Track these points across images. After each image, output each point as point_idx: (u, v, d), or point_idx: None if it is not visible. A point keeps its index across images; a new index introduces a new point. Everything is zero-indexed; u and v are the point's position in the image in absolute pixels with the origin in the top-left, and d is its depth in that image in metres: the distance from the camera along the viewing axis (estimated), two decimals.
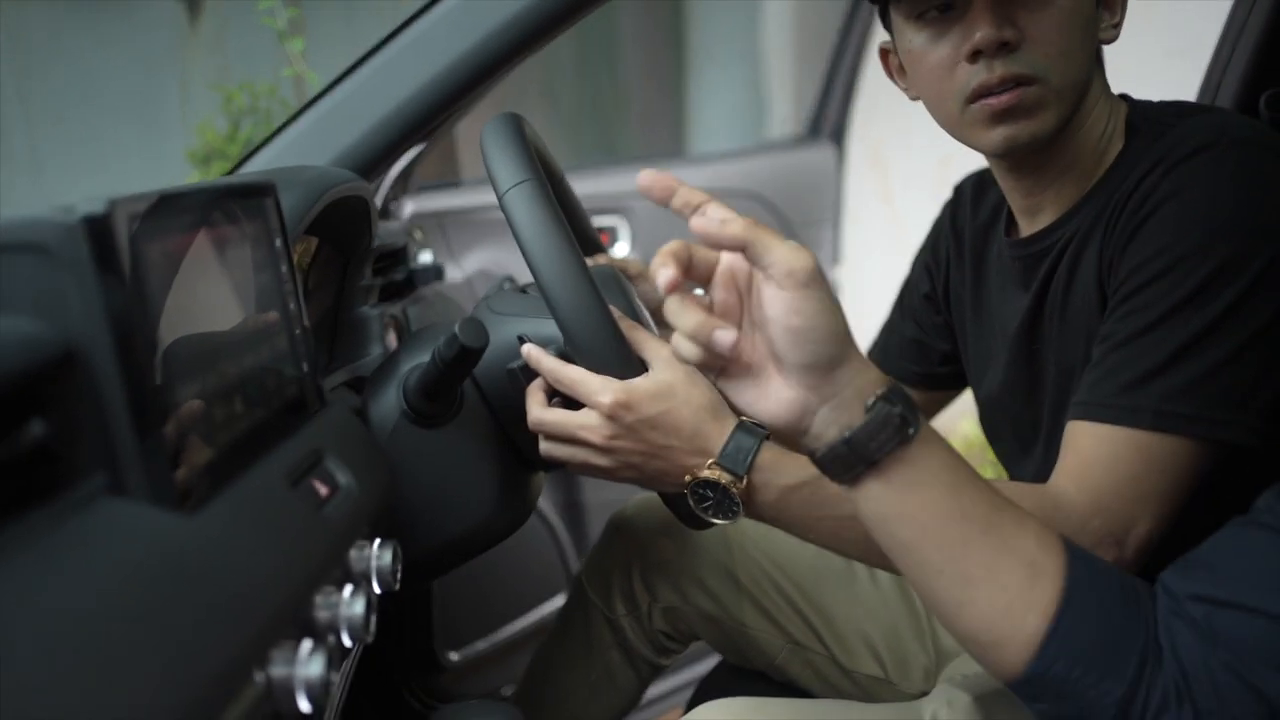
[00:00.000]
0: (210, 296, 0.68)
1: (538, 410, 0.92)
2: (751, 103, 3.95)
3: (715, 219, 0.67)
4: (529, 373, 0.95)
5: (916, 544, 0.67)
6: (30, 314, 0.55)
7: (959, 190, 1.23)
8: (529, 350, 0.93)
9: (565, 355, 0.92)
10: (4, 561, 0.48)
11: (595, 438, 0.89)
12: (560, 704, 1.28)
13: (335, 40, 3.06)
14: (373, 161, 1.26)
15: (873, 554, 0.89)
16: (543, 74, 3.65)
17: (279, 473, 0.70)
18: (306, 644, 0.62)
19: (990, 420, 1.15)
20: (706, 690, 1.29)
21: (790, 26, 3.80)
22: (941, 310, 1.24)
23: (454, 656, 1.66)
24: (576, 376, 0.89)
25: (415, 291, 1.38)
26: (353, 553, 0.78)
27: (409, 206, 1.65)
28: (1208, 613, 0.63)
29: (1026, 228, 1.04)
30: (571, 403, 0.91)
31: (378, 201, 1.40)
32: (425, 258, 1.43)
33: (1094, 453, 0.86)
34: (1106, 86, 0.99)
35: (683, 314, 0.68)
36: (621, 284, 1.02)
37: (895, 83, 1.07)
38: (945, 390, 1.31)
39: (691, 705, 1.03)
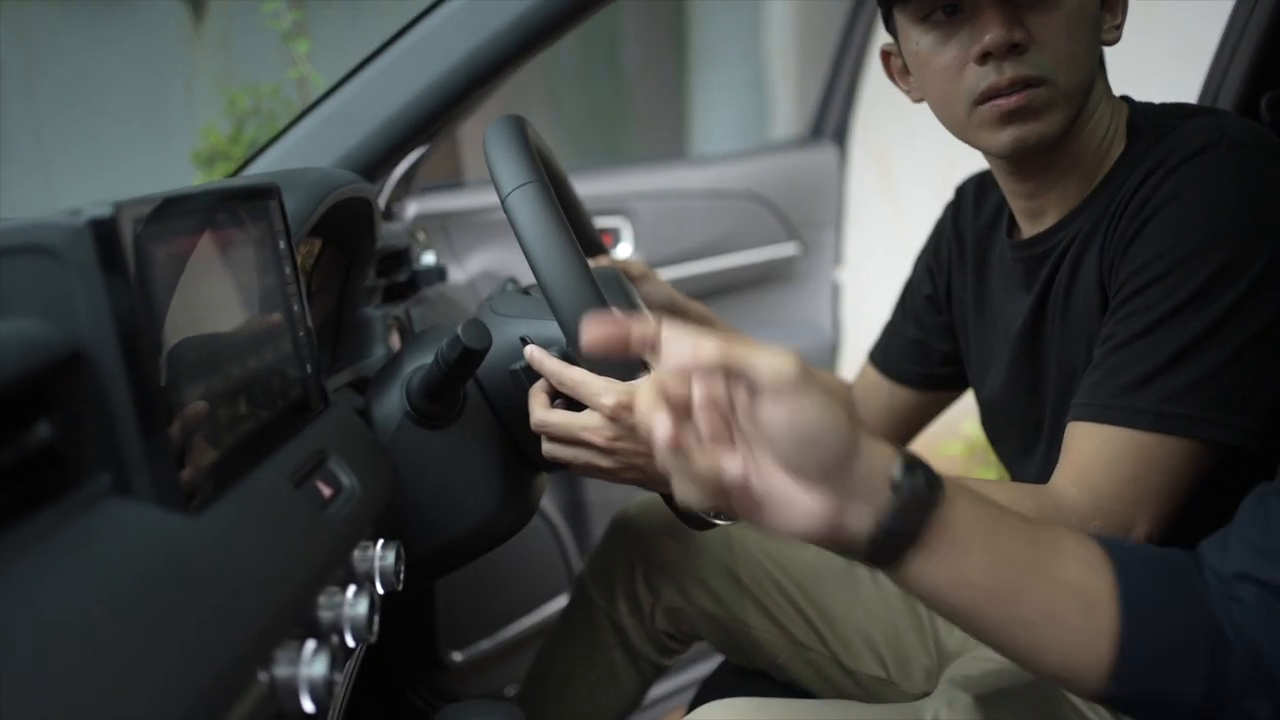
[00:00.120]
0: (215, 298, 0.68)
1: (540, 411, 0.93)
2: (754, 104, 3.95)
3: (687, 348, 0.60)
4: (531, 374, 0.95)
5: (974, 606, 0.65)
6: (37, 316, 0.55)
7: (960, 192, 1.23)
8: (531, 352, 0.94)
9: (568, 356, 0.92)
10: (10, 561, 0.48)
11: (597, 439, 0.89)
12: (563, 704, 1.28)
13: (340, 42, 3.07)
14: (376, 163, 1.27)
15: None
16: (545, 75, 3.66)
17: (283, 473, 0.70)
18: (310, 644, 0.63)
19: (992, 421, 1.16)
20: (709, 690, 1.29)
21: (793, 27, 3.80)
22: (943, 311, 1.25)
23: (457, 656, 1.66)
24: (579, 378, 0.90)
25: (418, 293, 1.39)
26: (356, 553, 0.78)
27: (412, 208, 1.66)
28: (1258, 594, 0.63)
29: (1028, 229, 1.05)
30: (574, 404, 0.91)
31: (381, 203, 1.40)
32: (428, 259, 1.43)
33: (1094, 454, 0.86)
34: (1108, 88, 1.00)
35: (680, 460, 0.60)
36: (624, 286, 1.03)
37: (897, 85, 1.07)
38: (947, 391, 1.31)
39: (694, 705, 1.03)
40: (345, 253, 1.16)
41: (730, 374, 0.60)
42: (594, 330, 0.61)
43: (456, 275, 1.73)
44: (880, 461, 0.62)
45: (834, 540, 0.62)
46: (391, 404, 0.97)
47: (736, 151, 2.65)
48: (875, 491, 0.61)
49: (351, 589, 0.72)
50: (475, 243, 1.79)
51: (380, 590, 0.79)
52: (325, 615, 0.69)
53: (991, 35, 0.90)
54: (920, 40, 0.96)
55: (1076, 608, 0.64)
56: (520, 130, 0.95)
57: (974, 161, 1.09)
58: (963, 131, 0.97)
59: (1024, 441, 1.09)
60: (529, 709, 1.30)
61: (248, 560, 0.61)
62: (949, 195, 1.25)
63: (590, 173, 2.11)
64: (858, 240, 2.49)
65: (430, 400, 0.95)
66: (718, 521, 0.90)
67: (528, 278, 0.94)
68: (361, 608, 0.71)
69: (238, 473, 0.66)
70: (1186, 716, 0.64)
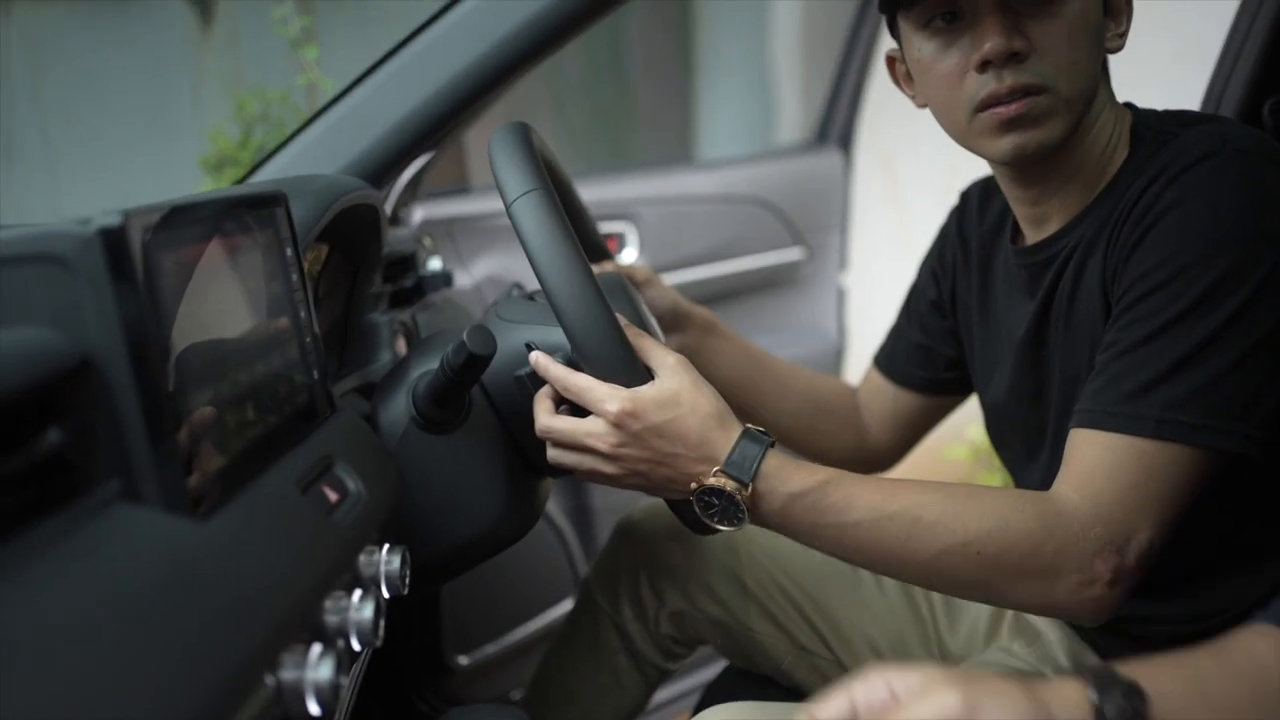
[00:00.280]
0: (222, 305, 0.69)
1: (545, 417, 0.93)
2: (759, 108, 3.95)
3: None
4: (537, 380, 0.95)
5: None
6: (47, 324, 0.56)
7: (965, 197, 1.23)
8: (536, 358, 0.94)
9: (572, 363, 0.93)
10: (20, 566, 0.49)
11: (602, 445, 0.90)
12: (567, 708, 1.29)
13: (348, 47, 3.08)
14: (383, 169, 1.27)
15: (874, 561, 0.90)
16: (551, 80, 3.66)
17: (290, 479, 0.71)
18: (316, 648, 0.63)
19: (996, 426, 1.16)
20: (713, 694, 1.30)
21: (798, 32, 3.80)
22: (948, 316, 1.25)
23: (463, 660, 1.67)
24: (583, 384, 0.90)
25: (425, 298, 1.39)
26: (362, 558, 0.78)
27: (419, 213, 1.66)
28: None
29: (1032, 235, 1.05)
30: (579, 410, 0.92)
31: (388, 208, 1.41)
32: (434, 264, 1.44)
33: (1096, 460, 0.86)
34: (1112, 96, 1.00)
35: None
36: (628, 292, 1.03)
37: (902, 90, 1.07)
38: (952, 395, 1.31)
39: (698, 709, 1.03)
40: (352, 258, 1.17)
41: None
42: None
43: (463, 280, 1.74)
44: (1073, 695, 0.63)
45: None
46: (397, 409, 0.97)
47: (741, 157, 2.65)
48: None
49: (357, 593, 0.72)
50: (481, 248, 1.80)
51: (386, 595, 0.79)
52: (331, 620, 0.70)
53: (991, 44, 0.90)
54: (922, 47, 0.97)
55: None
56: (525, 137, 0.96)
57: (978, 167, 1.09)
58: (964, 138, 0.97)
59: (1028, 447, 1.09)
60: (534, 713, 1.30)
61: (254, 565, 0.61)
62: (954, 200, 1.26)
63: (595, 178, 2.11)
64: (863, 245, 2.49)
65: (436, 406, 0.96)
66: (721, 527, 0.90)
67: (533, 283, 0.94)
68: (367, 612, 0.71)
69: (245, 478, 0.67)
70: None
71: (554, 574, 1.83)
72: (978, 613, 1.19)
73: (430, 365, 0.97)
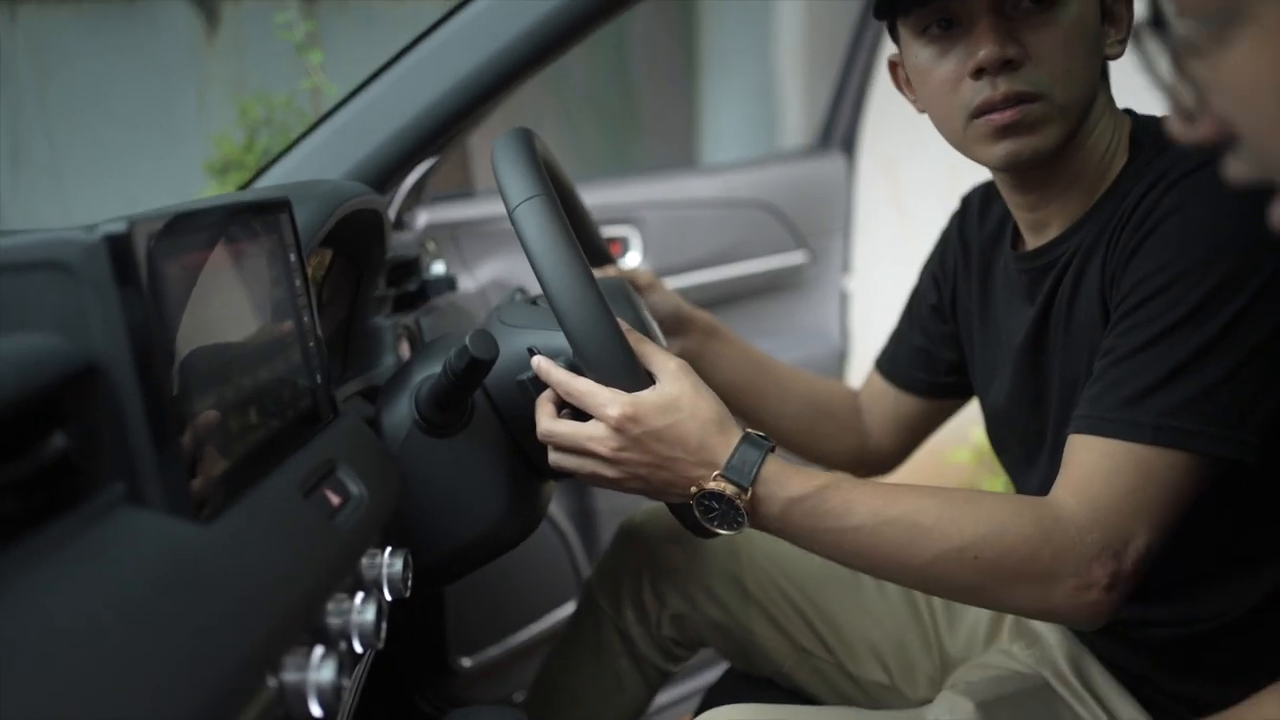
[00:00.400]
0: (226, 310, 0.70)
1: (547, 421, 0.94)
2: (763, 112, 3.95)
3: None
4: (539, 384, 0.96)
5: None
6: (53, 330, 0.57)
7: (966, 202, 1.24)
8: (538, 362, 0.95)
9: (574, 367, 0.93)
10: (26, 570, 0.49)
11: (603, 449, 0.90)
12: (570, 710, 1.29)
13: (352, 51, 3.08)
14: (387, 174, 1.28)
15: (873, 565, 0.90)
16: (555, 84, 3.66)
17: (292, 482, 0.72)
18: (318, 650, 0.64)
19: (997, 431, 1.16)
20: (714, 697, 1.30)
21: (802, 37, 3.80)
22: (948, 320, 1.25)
23: (467, 662, 1.67)
24: (585, 389, 0.91)
25: (428, 302, 1.40)
26: (364, 560, 0.79)
27: (423, 217, 1.67)
28: None
29: (1032, 241, 1.05)
30: (580, 414, 0.92)
31: (392, 213, 1.41)
32: (438, 268, 1.44)
33: (1093, 466, 0.87)
34: (1111, 101, 1.00)
35: None
36: (630, 297, 1.04)
37: (904, 95, 1.08)
38: (953, 399, 1.31)
39: (699, 711, 1.04)
40: (356, 263, 1.17)
41: None
42: None
43: (467, 284, 1.74)
44: None
45: None
46: (400, 413, 0.98)
47: (745, 161, 2.65)
48: None
49: (359, 596, 0.73)
50: (485, 252, 1.80)
51: (388, 597, 0.80)
52: (333, 622, 0.71)
53: (985, 51, 0.91)
54: (919, 54, 0.97)
55: None
56: (527, 143, 0.96)
57: (981, 171, 1.09)
58: (960, 144, 0.98)
59: (1027, 451, 1.09)
60: (536, 715, 1.31)
61: (257, 567, 0.62)
62: (957, 204, 1.26)
63: (599, 182, 2.11)
64: (866, 249, 2.49)
65: (439, 409, 0.96)
66: (721, 531, 0.91)
67: (536, 287, 0.95)
68: (369, 614, 0.72)
69: (248, 482, 0.67)
70: None
71: (557, 576, 1.84)
72: (978, 615, 1.20)
73: (433, 369, 0.98)
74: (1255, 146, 0.48)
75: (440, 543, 0.98)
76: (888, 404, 1.33)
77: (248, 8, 3.14)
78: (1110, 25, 0.97)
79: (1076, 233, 0.99)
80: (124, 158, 3.05)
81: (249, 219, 0.75)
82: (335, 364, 1.15)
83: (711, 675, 1.53)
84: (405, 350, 1.23)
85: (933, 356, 1.28)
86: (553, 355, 0.96)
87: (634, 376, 0.90)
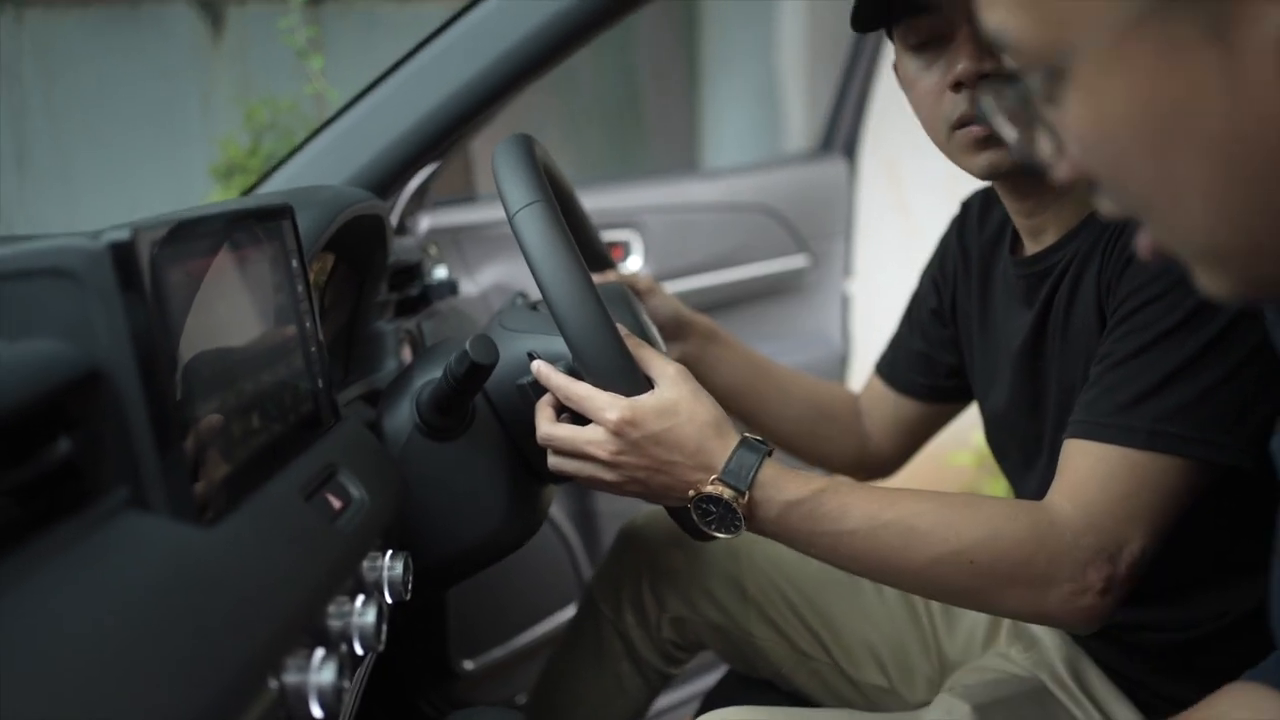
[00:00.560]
0: (229, 315, 0.70)
1: (546, 425, 0.94)
2: (766, 115, 3.96)
3: None
4: (539, 388, 0.97)
5: None
6: (57, 336, 0.57)
7: (966, 206, 1.24)
8: (538, 367, 0.96)
9: (574, 372, 0.94)
10: (30, 574, 0.50)
11: (602, 453, 0.91)
12: (571, 712, 1.30)
13: (353, 56, 3.09)
14: (389, 179, 1.29)
15: (869, 569, 0.91)
16: (557, 87, 3.67)
17: (294, 486, 0.72)
18: (319, 652, 0.64)
19: (995, 435, 1.17)
20: (714, 699, 1.30)
21: (804, 40, 3.81)
22: (948, 325, 1.26)
23: (468, 665, 1.68)
24: (584, 393, 0.91)
25: (430, 306, 1.40)
26: (365, 563, 0.80)
27: (425, 222, 1.67)
28: None
29: (1030, 246, 1.06)
30: (580, 418, 0.93)
31: (394, 218, 1.42)
32: (440, 273, 1.45)
33: (1089, 471, 0.87)
34: None
35: None
36: (629, 302, 1.04)
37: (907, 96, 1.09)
38: (952, 403, 1.32)
39: (699, 714, 1.04)
40: (358, 268, 1.18)
41: None
42: None
43: (468, 288, 1.75)
44: None
45: None
46: (401, 417, 0.99)
47: (746, 164, 2.66)
48: None
49: (360, 599, 0.73)
50: (487, 256, 1.81)
51: (389, 600, 0.80)
52: (335, 624, 0.71)
53: (962, 65, 0.92)
54: (907, 64, 0.99)
55: None
56: (527, 149, 0.97)
57: None
58: (946, 153, 0.99)
59: (1025, 456, 1.10)
60: (537, 717, 1.31)
61: (259, 570, 0.62)
62: (957, 208, 1.26)
63: (600, 186, 2.12)
64: (868, 252, 2.50)
65: (439, 413, 0.97)
66: (718, 535, 0.91)
67: (537, 292, 0.96)
68: (370, 617, 0.72)
69: (250, 486, 0.68)
70: None
71: (558, 579, 1.84)
72: (976, 618, 1.20)
73: (434, 373, 0.99)
74: (1110, 187, 0.49)
75: (441, 546, 0.99)
76: (888, 408, 1.34)
77: (252, 12, 3.15)
78: None
79: (1073, 239, 0.99)
80: (129, 161, 3.06)
81: (252, 225, 0.76)
82: (337, 368, 1.16)
83: (711, 678, 1.53)
84: (407, 354, 1.24)
85: (932, 360, 1.29)
86: (552, 360, 0.97)
87: (632, 381, 0.91)
